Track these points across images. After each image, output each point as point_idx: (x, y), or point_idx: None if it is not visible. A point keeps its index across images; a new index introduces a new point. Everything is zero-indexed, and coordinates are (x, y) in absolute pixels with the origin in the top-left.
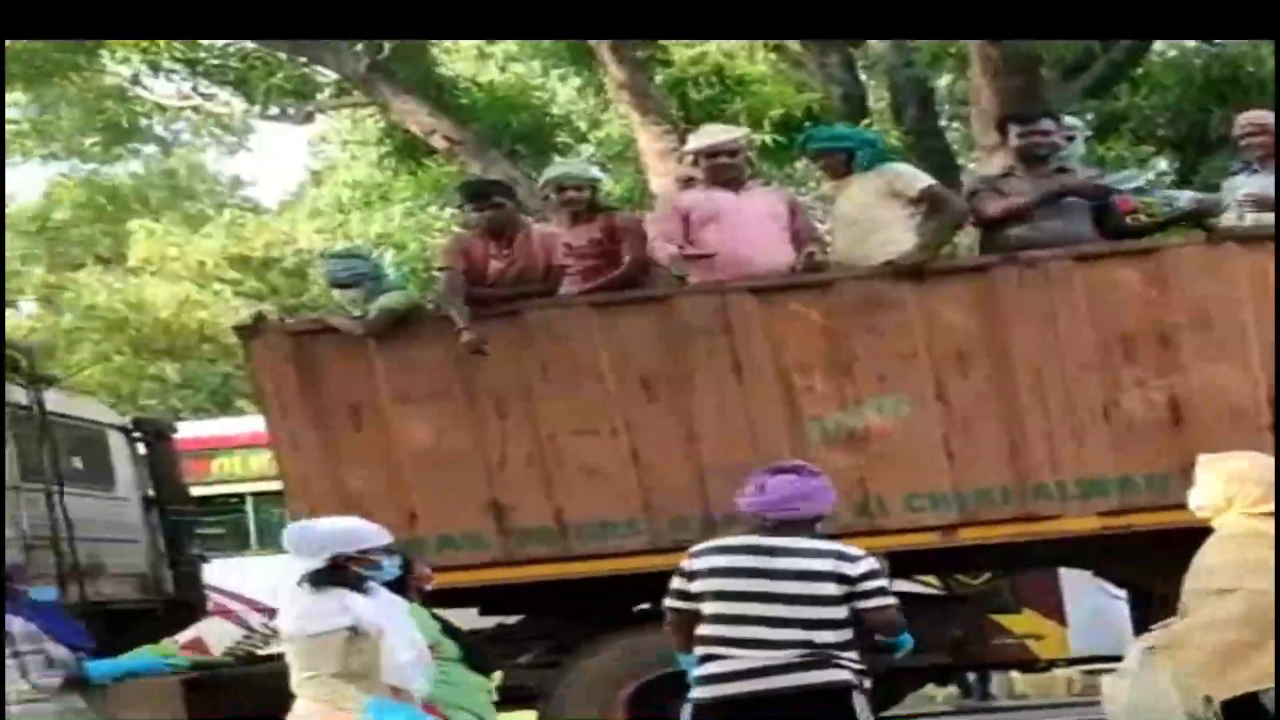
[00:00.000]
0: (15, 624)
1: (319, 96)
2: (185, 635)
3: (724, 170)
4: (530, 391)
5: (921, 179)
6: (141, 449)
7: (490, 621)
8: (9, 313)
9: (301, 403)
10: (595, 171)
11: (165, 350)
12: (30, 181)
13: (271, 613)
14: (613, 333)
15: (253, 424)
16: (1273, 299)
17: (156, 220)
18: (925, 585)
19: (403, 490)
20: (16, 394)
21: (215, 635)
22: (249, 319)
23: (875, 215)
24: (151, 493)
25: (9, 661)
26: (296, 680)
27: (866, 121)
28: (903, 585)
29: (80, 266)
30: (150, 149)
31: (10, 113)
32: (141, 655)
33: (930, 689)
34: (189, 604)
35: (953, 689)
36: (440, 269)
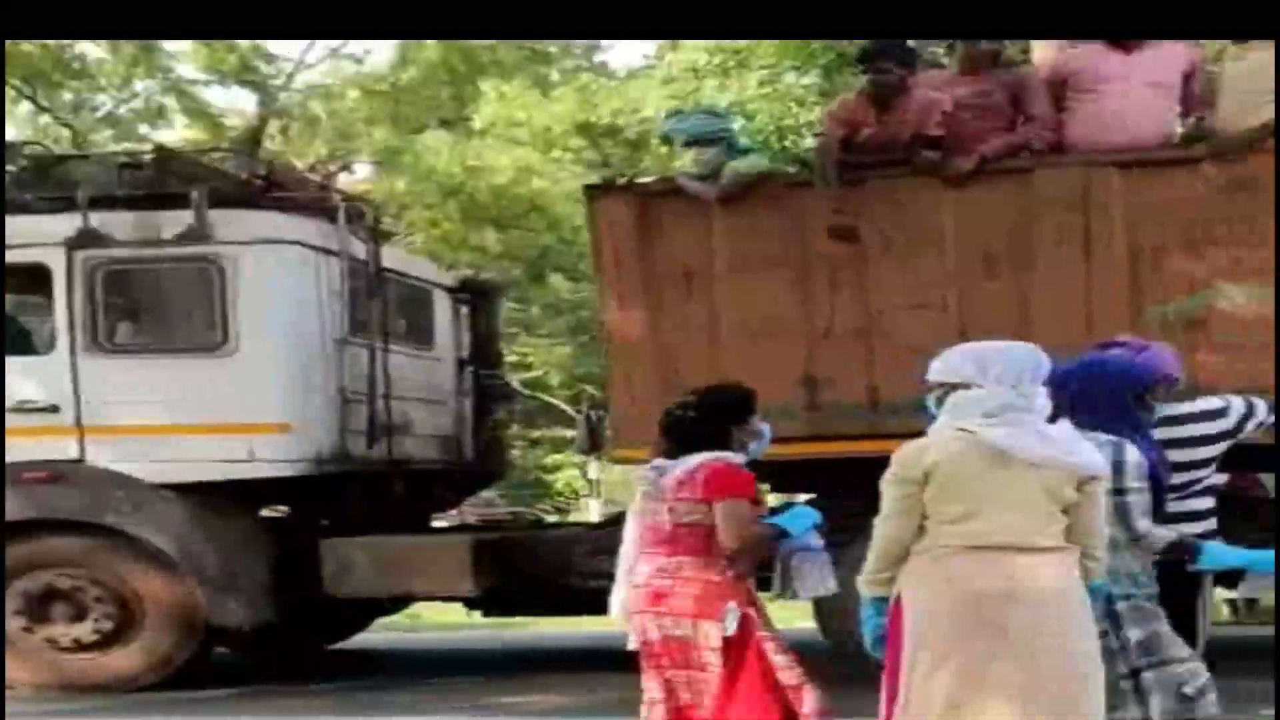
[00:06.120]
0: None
1: None
2: None
3: None
4: (867, 263)
5: None
6: (465, 310)
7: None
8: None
9: (637, 265)
10: None
11: (492, 219)
12: (386, 44)
13: None
14: (962, 204)
15: None
16: None
17: (507, 83)
18: None
19: (719, 357)
20: (355, 247)
21: None
22: (600, 179)
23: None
24: (466, 355)
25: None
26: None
27: None
28: None
29: (422, 129)
30: None
31: None
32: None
33: None
34: (488, 470)
35: None
36: (817, 134)
